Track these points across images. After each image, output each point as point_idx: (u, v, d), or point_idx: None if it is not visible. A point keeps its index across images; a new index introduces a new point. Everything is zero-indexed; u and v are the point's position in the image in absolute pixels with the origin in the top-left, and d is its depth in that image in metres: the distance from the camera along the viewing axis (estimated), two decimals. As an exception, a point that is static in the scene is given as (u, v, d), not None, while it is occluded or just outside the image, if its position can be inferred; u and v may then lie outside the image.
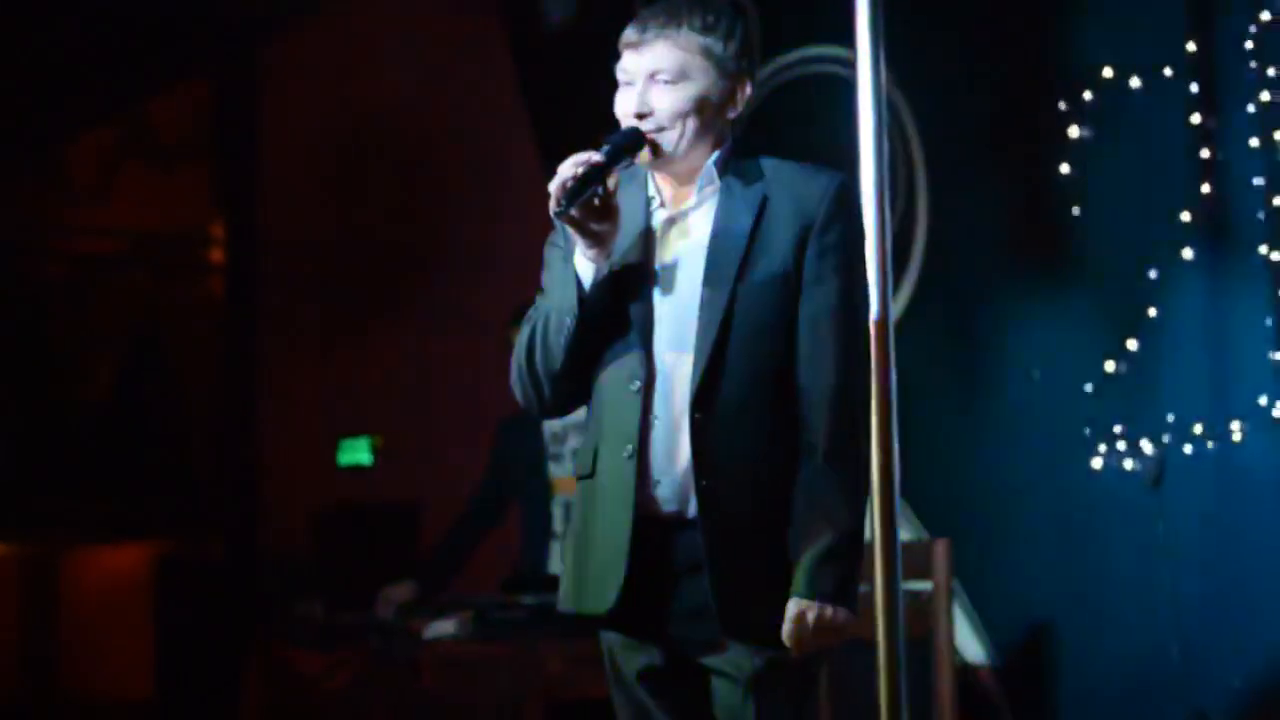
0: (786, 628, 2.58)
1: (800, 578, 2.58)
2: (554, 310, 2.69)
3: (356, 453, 7.44)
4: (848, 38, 3.74)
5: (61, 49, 8.47)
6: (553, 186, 2.59)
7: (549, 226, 2.79)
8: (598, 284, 2.66)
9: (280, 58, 8.71)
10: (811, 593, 2.57)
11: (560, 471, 5.37)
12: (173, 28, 8.33)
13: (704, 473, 2.61)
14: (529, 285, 2.87)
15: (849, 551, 2.60)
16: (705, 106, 2.69)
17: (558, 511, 5.36)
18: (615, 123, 2.77)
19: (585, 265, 2.66)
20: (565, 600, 2.77)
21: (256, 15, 8.38)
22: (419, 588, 5.19)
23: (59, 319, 9.39)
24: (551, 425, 5.36)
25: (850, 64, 3.89)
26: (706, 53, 2.68)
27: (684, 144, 2.69)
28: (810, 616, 2.57)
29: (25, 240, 9.82)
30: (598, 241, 2.64)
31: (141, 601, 8.53)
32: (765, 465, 2.64)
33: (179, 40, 8.54)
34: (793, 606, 2.58)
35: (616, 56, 2.76)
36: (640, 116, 2.67)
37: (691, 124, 2.68)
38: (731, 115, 2.75)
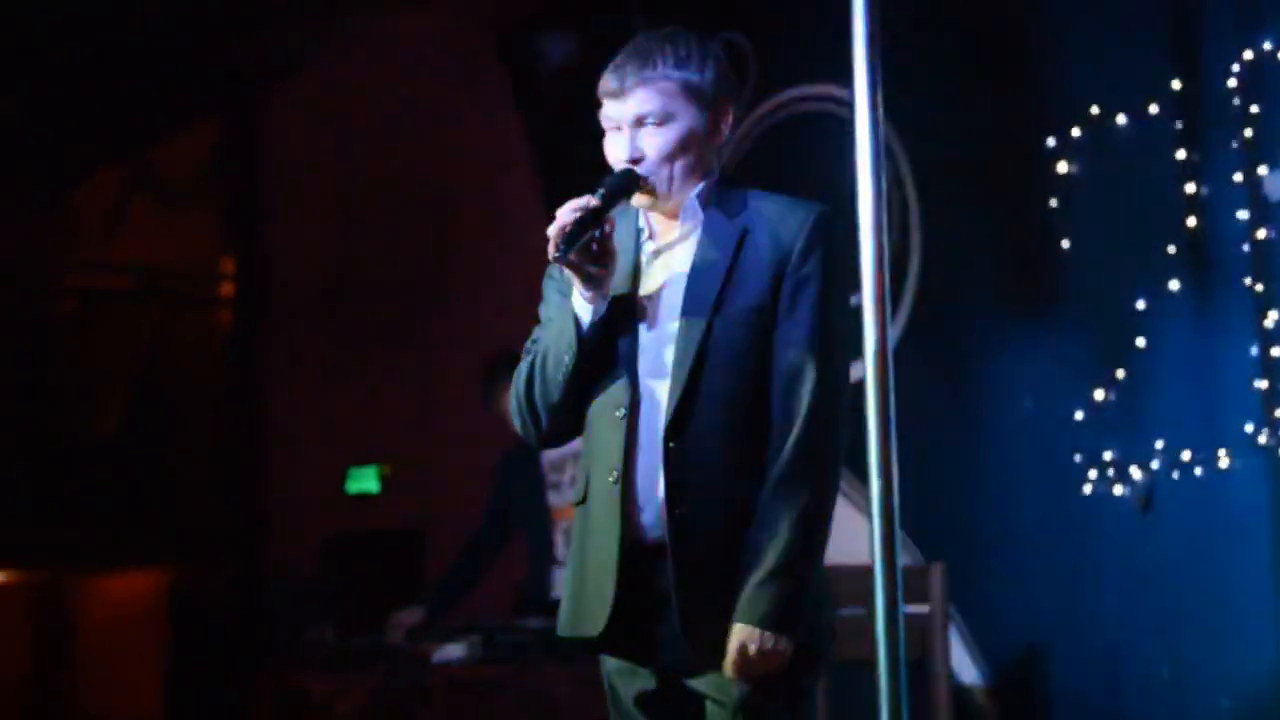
0: (729, 657, 2.55)
1: (741, 603, 2.55)
2: (552, 347, 2.68)
3: (365, 481, 7.45)
4: (844, 76, 3.76)
5: (72, 93, 8.50)
6: (551, 231, 2.58)
7: (546, 258, 2.80)
8: (594, 323, 2.66)
9: (283, 99, 8.73)
10: (750, 619, 2.54)
11: (559, 500, 5.37)
12: (179, 71, 8.36)
13: (677, 500, 2.58)
14: (528, 316, 2.87)
15: (790, 576, 2.56)
16: (693, 142, 2.69)
17: (559, 538, 5.36)
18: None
19: (583, 305, 2.65)
20: (563, 625, 2.75)
21: (260, 58, 8.40)
22: (427, 612, 5.19)
23: (70, 352, 9.39)
24: (550, 455, 5.36)
25: (845, 102, 3.91)
26: (686, 88, 2.67)
27: (676, 182, 2.69)
28: (752, 646, 2.54)
29: (38, 276, 9.82)
30: (595, 284, 2.64)
31: (152, 627, 8.50)
32: (739, 494, 2.61)
33: (185, 83, 8.57)
34: (734, 635, 2.55)
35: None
36: (634, 161, 2.67)
37: (681, 162, 2.68)
38: (718, 143, 2.75)
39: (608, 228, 2.63)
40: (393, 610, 5.21)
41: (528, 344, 2.78)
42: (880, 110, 3.71)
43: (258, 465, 8.56)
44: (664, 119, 2.66)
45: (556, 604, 2.81)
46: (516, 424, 2.78)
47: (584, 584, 2.69)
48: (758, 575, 2.55)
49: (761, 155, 5.62)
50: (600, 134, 2.76)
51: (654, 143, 2.66)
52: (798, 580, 2.57)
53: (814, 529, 2.59)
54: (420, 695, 4.71)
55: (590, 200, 2.59)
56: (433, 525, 6.17)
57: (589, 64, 6.31)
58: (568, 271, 2.64)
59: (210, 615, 8.05)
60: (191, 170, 9.43)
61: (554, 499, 5.41)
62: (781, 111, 5.58)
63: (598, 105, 2.74)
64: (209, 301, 9.39)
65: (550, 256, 2.59)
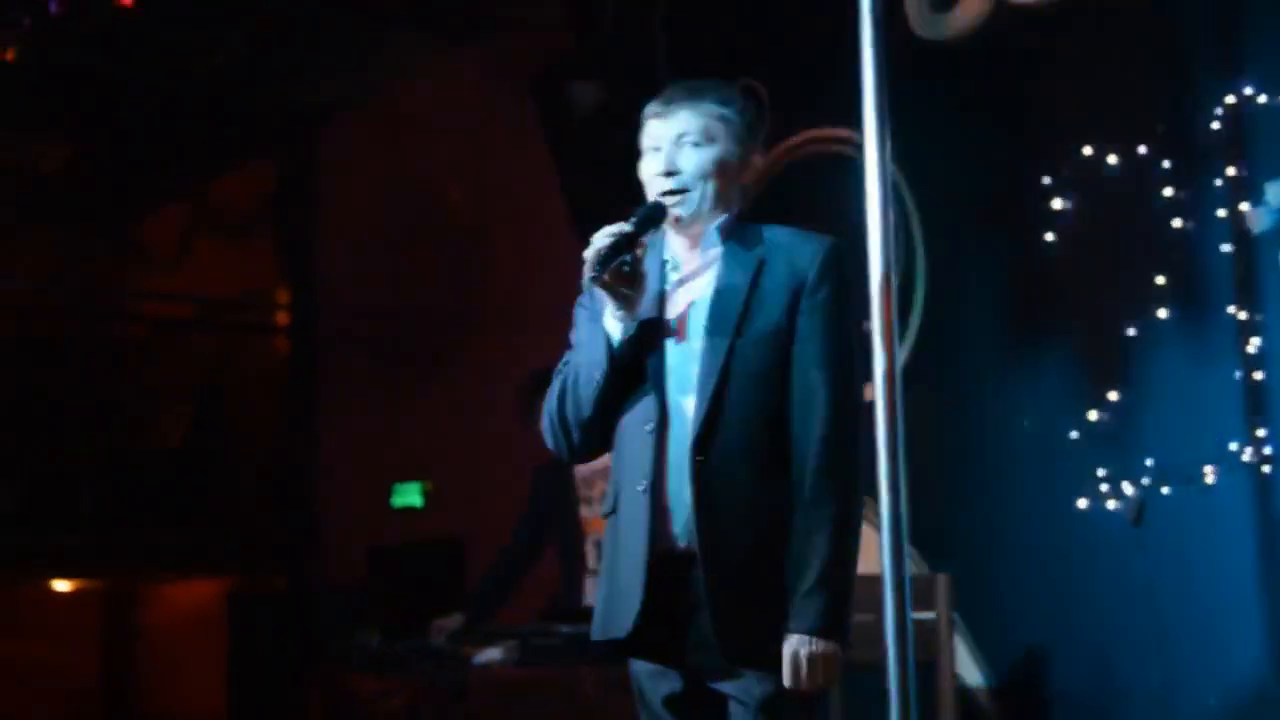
0: (785, 667, 2.55)
1: (791, 615, 2.56)
2: (584, 365, 2.69)
3: (408, 496, 7.45)
4: (854, 119, 3.76)
5: (139, 134, 8.54)
6: (588, 255, 2.60)
7: (577, 290, 2.80)
8: (624, 341, 2.66)
9: (335, 139, 8.77)
10: (800, 628, 2.55)
11: (590, 513, 5.35)
12: (238, 113, 8.40)
13: (705, 510, 2.59)
14: (559, 343, 2.87)
15: (833, 586, 2.57)
16: (725, 169, 2.72)
17: (590, 549, 5.34)
18: (640, 191, 2.78)
19: (614, 325, 2.66)
20: (596, 630, 2.75)
21: (314, 101, 8.44)
22: (467, 618, 5.17)
23: (138, 375, 9.43)
24: (581, 470, 5.35)
25: (855, 143, 3.90)
26: (725, 120, 2.72)
27: (706, 204, 2.71)
28: (803, 653, 2.55)
29: (108, 305, 9.88)
30: (626, 304, 2.65)
31: (213, 630, 8.51)
32: (763, 504, 2.61)
33: (244, 124, 8.61)
34: (787, 645, 2.56)
35: (639, 130, 2.78)
36: (669, 175, 2.69)
37: (713, 185, 2.71)
38: (744, 181, 2.77)
39: (639, 252, 2.65)
40: (434, 616, 5.19)
41: (560, 366, 2.79)
42: (888, 151, 3.72)
43: (310, 481, 8.58)
44: (703, 139, 2.70)
45: (588, 611, 2.80)
46: (549, 440, 2.79)
47: (614, 589, 2.69)
48: (804, 586, 2.56)
49: (777, 193, 5.61)
50: (625, 167, 2.79)
51: (692, 159, 2.69)
52: (841, 588, 2.59)
53: (847, 538, 2.61)
54: (459, 695, 4.70)
55: (623, 226, 2.62)
56: (472, 537, 6.16)
57: (615, 108, 6.34)
58: (600, 293, 2.66)
59: (266, 620, 8.05)
60: (250, 206, 9.48)
61: (585, 512, 5.39)
62: (796, 152, 5.57)
63: (628, 131, 2.77)
64: (266, 329, 9.43)
65: (586, 277, 2.61)
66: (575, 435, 2.73)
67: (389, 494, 7.64)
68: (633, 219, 2.64)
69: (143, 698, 9.49)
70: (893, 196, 3.77)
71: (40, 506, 8.44)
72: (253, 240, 9.47)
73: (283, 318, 9.19)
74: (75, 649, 9.38)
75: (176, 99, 8.09)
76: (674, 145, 2.70)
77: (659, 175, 2.70)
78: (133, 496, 8.72)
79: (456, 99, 7.69)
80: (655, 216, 2.68)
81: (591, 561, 5.26)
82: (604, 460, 4.35)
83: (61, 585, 9.23)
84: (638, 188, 2.84)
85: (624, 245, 2.61)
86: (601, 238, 2.61)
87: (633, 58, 6.25)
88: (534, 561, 5.49)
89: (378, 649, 5.18)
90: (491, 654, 4.79)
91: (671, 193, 2.69)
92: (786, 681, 2.56)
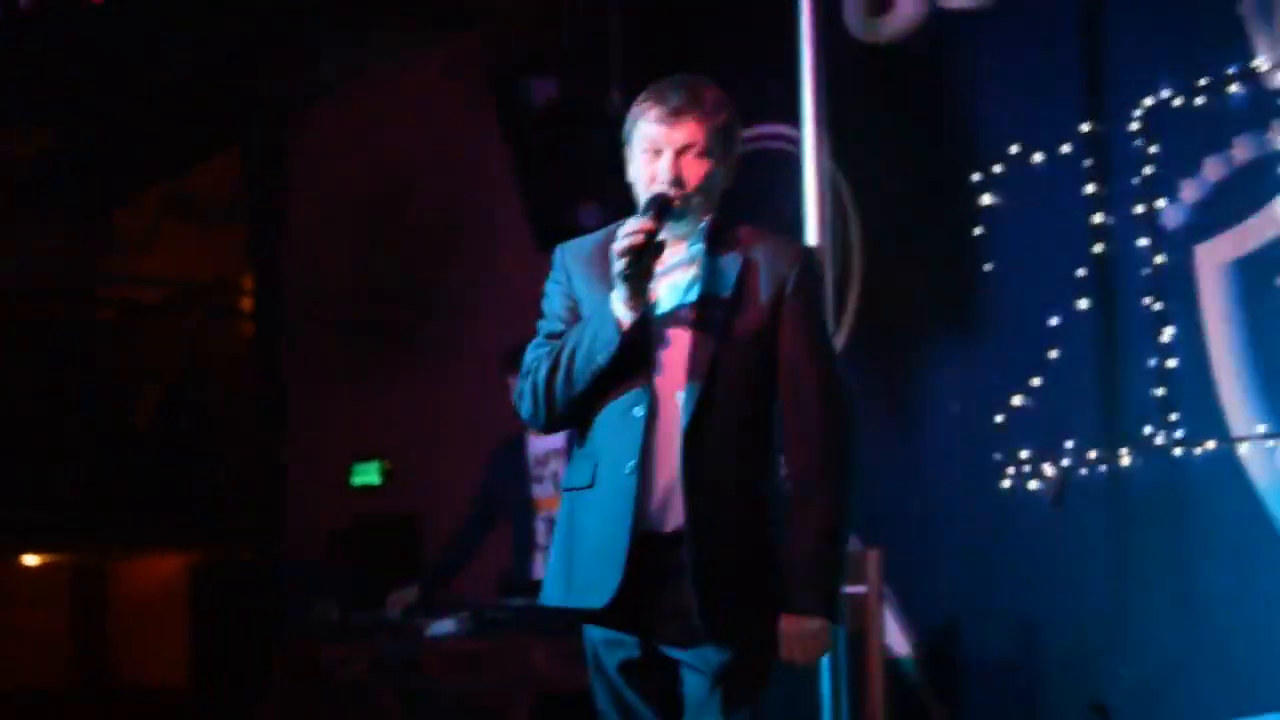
0: (786, 643, 2.59)
1: (792, 595, 2.60)
2: (584, 344, 2.66)
3: (367, 475, 7.44)
4: (793, 116, 3.81)
5: (113, 123, 8.49)
6: (620, 248, 2.58)
7: (534, 280, 2.81)
8: (631, 328, 2.63)
9: (303, 129, 8.73)
10: (803, 608, 2.59)
11: (542, 492, 5.35)
12: (209, 103, 8.35)
13: (692, 491, 2.60)
14: (515, 330, 2.86)
15: (833, 569, 2.62)
16: (717, 179, 2.69)
17: (540, 526, 5.34)
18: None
19: (625, 312, 2.62)
20: (552, 596, 2.72)
21: (282, 93, 8.40)
22: (422, 591, 5.18)
23: (110, 356, 9.37)
24: (534, 451, 5.35)
25: (794, 140, 3.95)
26: (722, 131, 2.68)
27: (699, 210, 2.69)
28: (808, 630, 2.59)
29: (81, 288, 9.81)
30: (642, 291, 2.62)
31: (179, 603, 8.49)
32: (746, 491, 2.64)
33: (215, 113, 8.56)
34: (789, 623, 2.60)
35: (611, 124, 2.75)
36: (675, 184, 2.65)
37: (708, 195, 2.68)
38: (725, 187, 2.74)
39: (660, 243, 2.61)
40: (390, 589, 5.20)
41: (540, 339, 2.77)
42: (826, 148, 3.77)
43: (274, 460, 8.55)
44: (704, 152, 2.65)
45: (536, 584, 2.79)
46: (528, 408, 2.74)
47: (580, 560, 2.68)
48: (806, 569, 2.59)
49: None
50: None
51: (694, 171, 2.65)
52: (839, 570, 2.65)
53: (844, 524, 2.65)
54: (415, 664, 4.72)
55: (648, 222, 2.59)
56: (430, 513, 6.16)
57: (567, 106, 6.32)
58: (619, 282, 2.60)
59: (230, 593, 8.02)
60: (219, 193, 9.43)
61: (537, 491, 5.40)
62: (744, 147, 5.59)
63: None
64: (233, 312, 9.39)
65: (617, 273, 2.58)
66: (559, 408, 2.71)
67: (349, 473, 7.62)
68: (651, 213, 2.61)
69: (111, 667, 9.46)
70: (829, 190, 3.84)
71: (14, 486, 8.37)
72: (221, 227, 9.43)
73: (250, 302, 9.16)
74: (44, 621, 9.33)
75: (149, 87, 8.04)
76: (678, 154, 2.65)
77: (665, 183, 2.65)
78: (103, 474, 8.67)
79: (424, 91, 7.66)
80: (668, 208, 2.64)
81: (541, 538, 5.27)
82: (556, 441, 4.33)
83: (32, 560, 9.18)
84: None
85: (652, 238, 2.58)
86: (633, 234, 2.58)
87: (586, 57, 6.25)
88: (486, 537, 5.50)
89: (336, 620, 5.18)
90: (445, 625, 4.81)
91: (673, 200, 2.65)
92: (786, 656, 2.60)
